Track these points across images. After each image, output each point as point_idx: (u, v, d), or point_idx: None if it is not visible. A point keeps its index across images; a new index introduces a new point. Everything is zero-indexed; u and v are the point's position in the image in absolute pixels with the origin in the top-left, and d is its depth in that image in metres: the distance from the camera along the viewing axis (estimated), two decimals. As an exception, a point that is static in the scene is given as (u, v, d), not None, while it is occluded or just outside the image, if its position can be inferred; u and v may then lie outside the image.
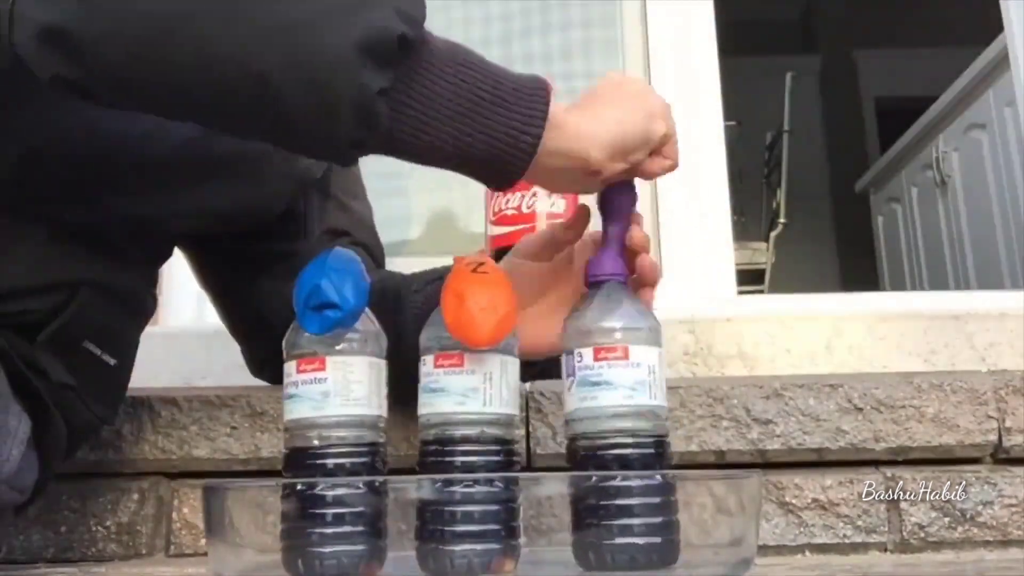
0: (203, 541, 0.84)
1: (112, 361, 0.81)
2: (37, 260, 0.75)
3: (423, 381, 0.64)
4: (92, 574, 0.81)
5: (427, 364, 0.64)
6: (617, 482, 0.61)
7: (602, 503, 0.61)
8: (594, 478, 0.61)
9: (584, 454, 0.64)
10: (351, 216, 0.99)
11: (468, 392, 0.63)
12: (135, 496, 0.94)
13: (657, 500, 0.61)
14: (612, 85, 0.69)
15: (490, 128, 0.60)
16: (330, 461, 0.63)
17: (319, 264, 0.65)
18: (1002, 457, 0.96)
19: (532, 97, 0.62)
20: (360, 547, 0.61)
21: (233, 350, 1.03)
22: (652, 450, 0.63)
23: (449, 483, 0.61)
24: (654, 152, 0.69)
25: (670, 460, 0.65)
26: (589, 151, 0.64)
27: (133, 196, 0.79)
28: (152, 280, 0.89)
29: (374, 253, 1.00)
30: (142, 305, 0.87)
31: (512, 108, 0.61)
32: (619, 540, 0.60)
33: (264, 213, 0.91)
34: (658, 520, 0.61)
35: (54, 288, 0.76)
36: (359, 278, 0.65)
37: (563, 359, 0.67)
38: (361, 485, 0.62)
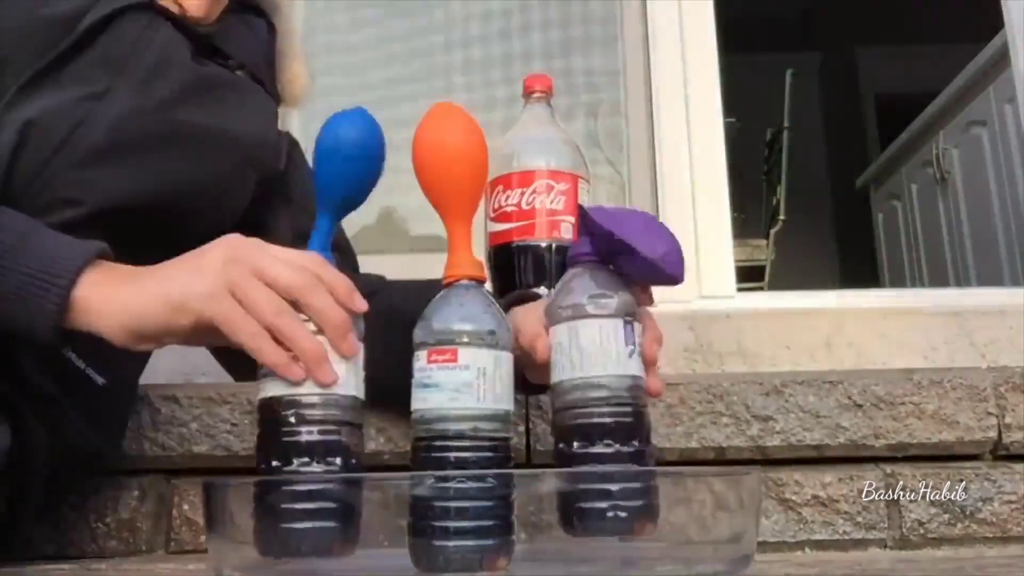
0: (203, 538, 0.84)
1: (100, 380, 0.79)
2: None
3: (416, 376, 0.64)
4: (92, 571, 0.81)
5: (420, 360, 0.64)
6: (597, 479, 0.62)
7: None
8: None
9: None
10: None
11: (461, 387, 0.63)
12: (135, 493, 0.94)
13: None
14: (207, 249, 0.67)
15: (6, 322, 0.64)
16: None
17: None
18: (1001, 454, 0.96)
19: (45, 287, 0.64)
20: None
21: (233, 347, 1.03)
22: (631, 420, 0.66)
23: (444, 479, 0.61)
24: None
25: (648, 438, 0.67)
26: (103, 330, 0.65)
27: (81, 182, 0.79)
28: None
29: (347, 257, 0.99)
30: None
31: (21, 302, 0.63)
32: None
33: (213, 190, 0.90)
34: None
35: None
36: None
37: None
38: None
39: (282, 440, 0.63)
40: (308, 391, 0.63)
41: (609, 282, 0.68)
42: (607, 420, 0.65)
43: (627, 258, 0.67)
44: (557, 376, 0.68)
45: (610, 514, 0.61)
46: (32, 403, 0.75)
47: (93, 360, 0.79)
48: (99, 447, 0.84)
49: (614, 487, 0.62)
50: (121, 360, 0.84)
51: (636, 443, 0.65)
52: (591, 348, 0.66)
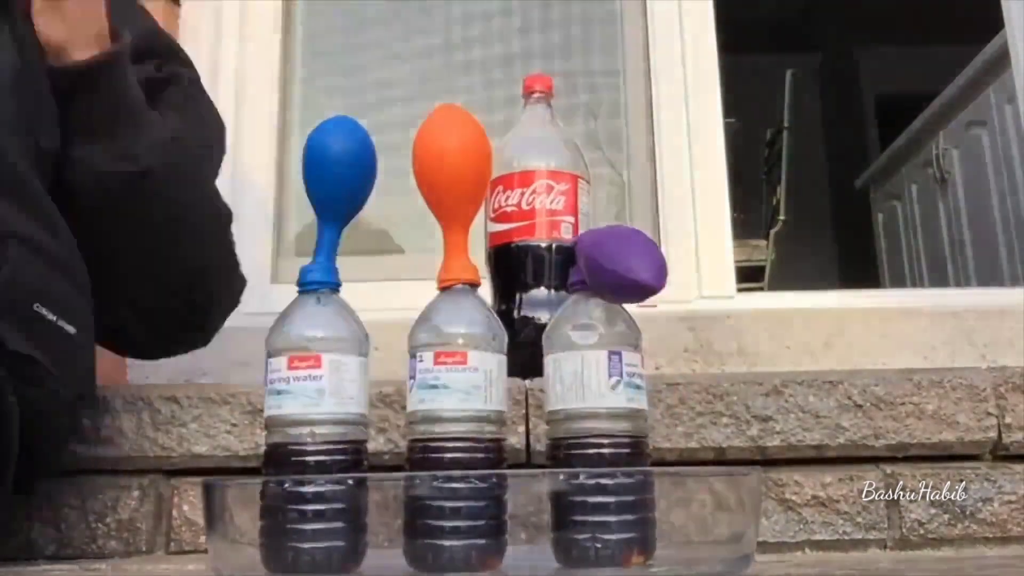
0: (203, 538, 0.84)
1: (71, 329, 0.79)
2: None
3: (419, 377, 0.64)
4: (92, 571, 0.81)
5: (424, 360, 0.64)
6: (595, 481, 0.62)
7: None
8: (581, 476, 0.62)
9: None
10: None
11: (471, 390, 0.63)
12: (135, 493, 0.94)
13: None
14: None
15: None
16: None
17: None
18: (1001, 454, 0.96)
19: None
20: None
21: (233, 347, 1.03)
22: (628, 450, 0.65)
23: (450, 479, 0.61)
24: None
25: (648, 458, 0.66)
26: None
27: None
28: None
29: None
30: (83, 275, 0.83)
31: None
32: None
33: None
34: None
35: None
36: None
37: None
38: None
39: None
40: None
41: (596, 313, 0.67)
42: (587, 452, 0.64)
43: (600, 275, 0.65)
44: (546, 407, 0.68)
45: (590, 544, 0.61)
46: (10, 366, 0.74)
47: (61, 311, 0.79)
48: (82, 399, 0.84)
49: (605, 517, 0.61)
50: (83, 307, 0.83)
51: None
52: (571, 380, 0.66)
